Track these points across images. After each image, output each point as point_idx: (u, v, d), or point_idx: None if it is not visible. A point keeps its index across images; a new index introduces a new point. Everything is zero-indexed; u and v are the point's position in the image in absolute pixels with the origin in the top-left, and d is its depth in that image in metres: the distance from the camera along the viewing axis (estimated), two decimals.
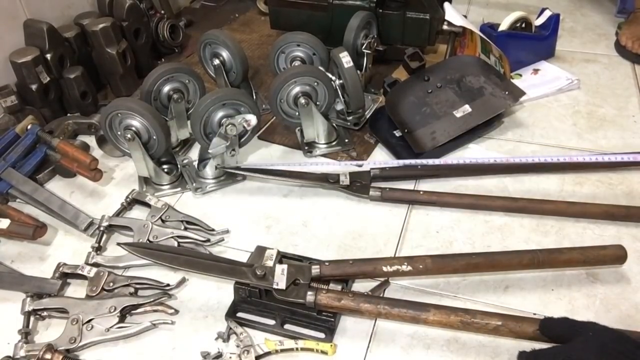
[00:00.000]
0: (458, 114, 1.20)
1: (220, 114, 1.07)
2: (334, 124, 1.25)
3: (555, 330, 0.73)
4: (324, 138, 1.20)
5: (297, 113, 1.16)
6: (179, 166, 1.17)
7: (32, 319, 0.86)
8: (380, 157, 1.19)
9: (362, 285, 0.89)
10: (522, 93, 1.22)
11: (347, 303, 0.79)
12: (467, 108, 1.20)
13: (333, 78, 1.17)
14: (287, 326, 0.84)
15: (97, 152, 1.23)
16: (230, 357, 0.79)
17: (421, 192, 1.05)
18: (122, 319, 0.85)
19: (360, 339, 0.82)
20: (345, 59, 1.14)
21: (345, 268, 0.85)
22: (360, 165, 1.13)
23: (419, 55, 1.27)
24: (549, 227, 0.99)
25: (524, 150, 1.19)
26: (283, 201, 1.09)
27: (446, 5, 1.36)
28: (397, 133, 1.21)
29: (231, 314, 0.85)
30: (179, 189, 1.13)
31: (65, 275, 0.93)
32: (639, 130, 1.23)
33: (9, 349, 0.82)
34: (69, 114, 1.36)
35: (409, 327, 0.83)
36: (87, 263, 0.94)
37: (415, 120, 1.19)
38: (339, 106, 1.26)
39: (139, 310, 0.87)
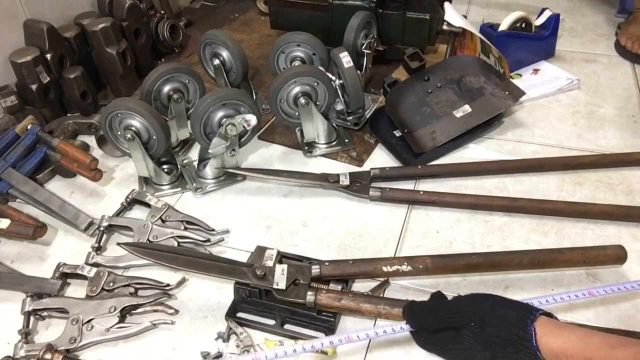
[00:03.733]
0: (458, 114, 1.20)
1: (220, 114, 1.07)
2: (334, 124, 1.25)
3: (424, 323, 0.72)
4: (324, 138, 1.20)
5: (297, 113, 1.16)
6: (179, 166, 1.17)
7: (32, 319, 0.86)
8: (380, 157, 1.19)
9: (362, 285, 0.89)
10: (522, 93, 1.22)
11: (347, 303, 0.79)
12: (467, 108, 1.21)
13: (333, 78, 1.18)
14: (287, 326, 0.84)
15: (97, 152, 1.23)
16: (230, 357, 0.79)
17: (421, 192, 1.05)
18: (122, 319, 0.85)
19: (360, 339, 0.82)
20: (345, 59, 1.14)
21: (345, 268, 0.85)
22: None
23: (419, 55, 1.27)
24: (549, 227, 0.99)
25: (524, 150, 1.19)
26: (283, 201, 1.09)
27: (446, 5, 1.36)
28: (397, 133, 1.21)
29: (231, 314, 0.85)
30: (179, 189, 1.13)
31: (65, 275, 0.93)
32: (639, 130, 1.23)
33: (9, 349, 0.82)
34: (69, 114, 1.36)
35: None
36: (87, 263, 0.94)
37: (415, 120, 1.20)
38: (339, 106, 1.26)
39: (139, 310, 0.86)
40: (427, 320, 0.72)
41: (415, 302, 0.76)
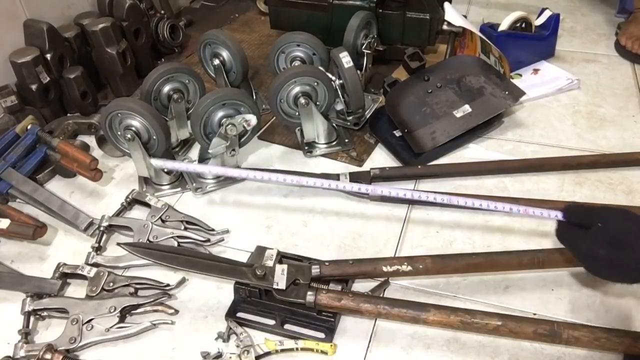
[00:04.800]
0: (458, 114, 1.20)
1: (220, 114, 1.07)
2: (334, 124, 1.25)
3: (577, 215, 0.78)
4: (324, 138, 1.20)
5: (297, 113, 1.16)
6: None
7: (32, 319, 0.86)
8: (380, 157, 1.19)
9: (362, 285, 0.89)
10: (522, 93, 1.22)
11: (347, 303, 0.79)
12: (467, 108, 1.21)
13: (333, 78, 1.18)
14: (287, 326, 0.84)
15: (97, 152, 1.23)
16: (230, 357, 0.79)
17: None
18: (122, 319, 0.85)
19: (360, 339, 0.82)
20: (345, 59, 1.14)
21: (345, 268, 0.85)
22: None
23: (419, 55, 1.27)
24: (548, 227, 0.99)
25: (524, 150, 1.19)
26: (283, 201, 1.09)
27: (446, 5, 1.36)
28: (397, 133, 1.21)
29: (231, 314, 0.85)
30: (179, 189, 1.13)
31: (65, 275, 0.93)
32: (639, 130, 1.23)
33: (9, 349, 0.82)
34: (69, 114, 1.36)
35: (409, 327, 0.83)
36: (87, 263, 0.94)
37: (415, 120, 1.20)
38: (339, 106, 1.26)
39: (139, 310, 0.87)
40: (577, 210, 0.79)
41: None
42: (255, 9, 1.88)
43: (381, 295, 0.87)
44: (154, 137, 1.08)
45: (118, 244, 0.91)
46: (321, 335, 0.82)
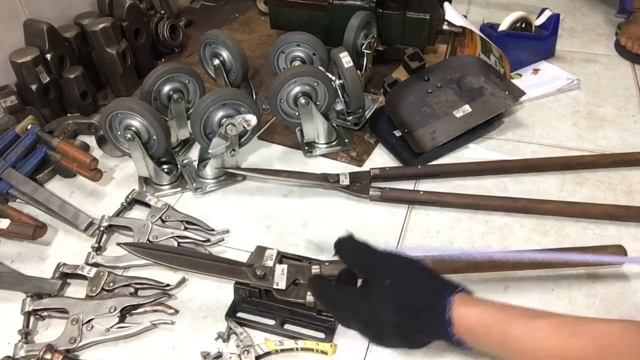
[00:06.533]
0: (458, 114, 1.20)
1: (220, 114, 1.07)
2: (334, 124, 1.25)
3: (352, 260, 0.71)
4: (324, 138, 1.20)
5: (297, 113, 1.16)
6: (179, 166, 1.17)
7: (32, 319, 0.86)
8: (380, 157, 1.19)
9: None
10: (522, 93, 1.22)
11: None
12: (467, 108, 1.21)
13: (333, 78, 1.17)
14: (287, 326, 0.84)
15: (97, 152, 1.23)
16: (230, 357, 0.79)
17: (421, 192, 1.05)
18: (122, 319, 0.85)
19: (360, 339, 0.82)
20: (345, 59, 1.14)
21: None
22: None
23: (419, 55, 1.27)
24: (549, 227, 0.99)
25: (524, 150, 1.19)
26: (283, 201, 1.09)
27: (446, 5, 1.36)
28: (397, 133, 1.21)
29: (231, 314, 0.85)
30: (179, 189, 1.13)
31: (65, 275, 0.93)
32: (639, 130, 1.23)
33: (9, 349, 0.82)
34: (69, 114, 1.36)
35: None
36: (87, 263, 0.94)
37: (415, 120, 1.20)
38: (339, 106, 1.26)
39: (139, 310, 0.86)
40: (352, 254, 0.70)
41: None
42: (255, 9, 1.88)
43: None
44: (154, 137, 1.08)
45: (118, 244, 0.91)
46: (321, 335, 0.82)
